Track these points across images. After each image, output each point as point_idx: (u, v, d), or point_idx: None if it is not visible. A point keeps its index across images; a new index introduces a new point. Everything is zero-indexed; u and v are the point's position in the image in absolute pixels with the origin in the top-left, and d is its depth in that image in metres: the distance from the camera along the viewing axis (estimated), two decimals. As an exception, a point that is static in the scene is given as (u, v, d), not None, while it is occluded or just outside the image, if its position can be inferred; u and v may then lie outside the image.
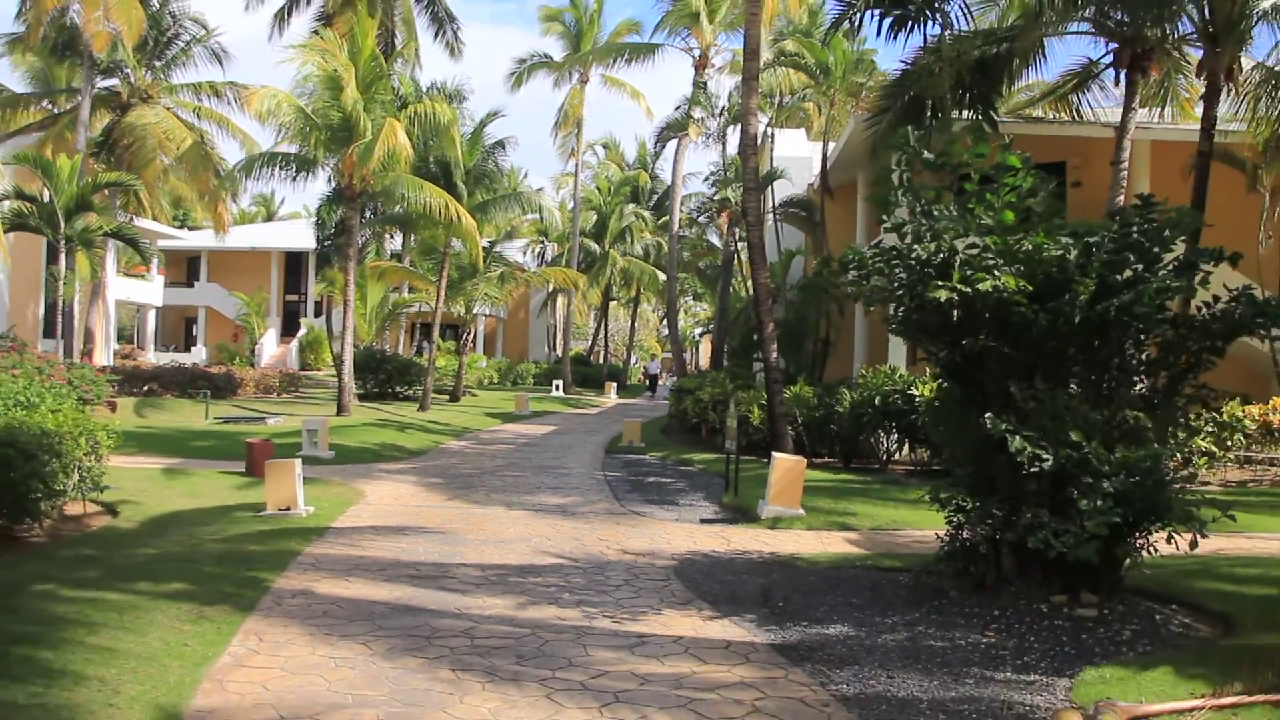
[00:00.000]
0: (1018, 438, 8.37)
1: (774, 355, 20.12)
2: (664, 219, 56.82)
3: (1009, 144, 9.66)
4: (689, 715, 6.29)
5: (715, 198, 36.26)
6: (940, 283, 8.46)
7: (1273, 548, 12.09)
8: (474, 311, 40.23)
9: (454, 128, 29.96)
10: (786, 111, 35.38)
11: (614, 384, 53.08)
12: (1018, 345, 8.86)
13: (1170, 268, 9.23)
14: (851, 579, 10.31)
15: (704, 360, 78.17)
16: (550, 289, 56.26)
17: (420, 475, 18.55)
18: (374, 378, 36.68)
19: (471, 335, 45.10)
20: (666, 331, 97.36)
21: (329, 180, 32.56)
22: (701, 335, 79.18)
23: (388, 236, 43.31)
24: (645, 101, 54.38)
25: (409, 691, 6.58)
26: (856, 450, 20.20)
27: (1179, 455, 9.96)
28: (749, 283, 30.81)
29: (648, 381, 58.61)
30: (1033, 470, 8.37)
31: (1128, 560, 8.73)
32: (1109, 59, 20.55)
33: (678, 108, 37.07)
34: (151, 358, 45.61)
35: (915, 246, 9.28)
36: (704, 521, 14.20)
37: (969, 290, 8.43)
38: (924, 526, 12.37)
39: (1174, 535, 8.41)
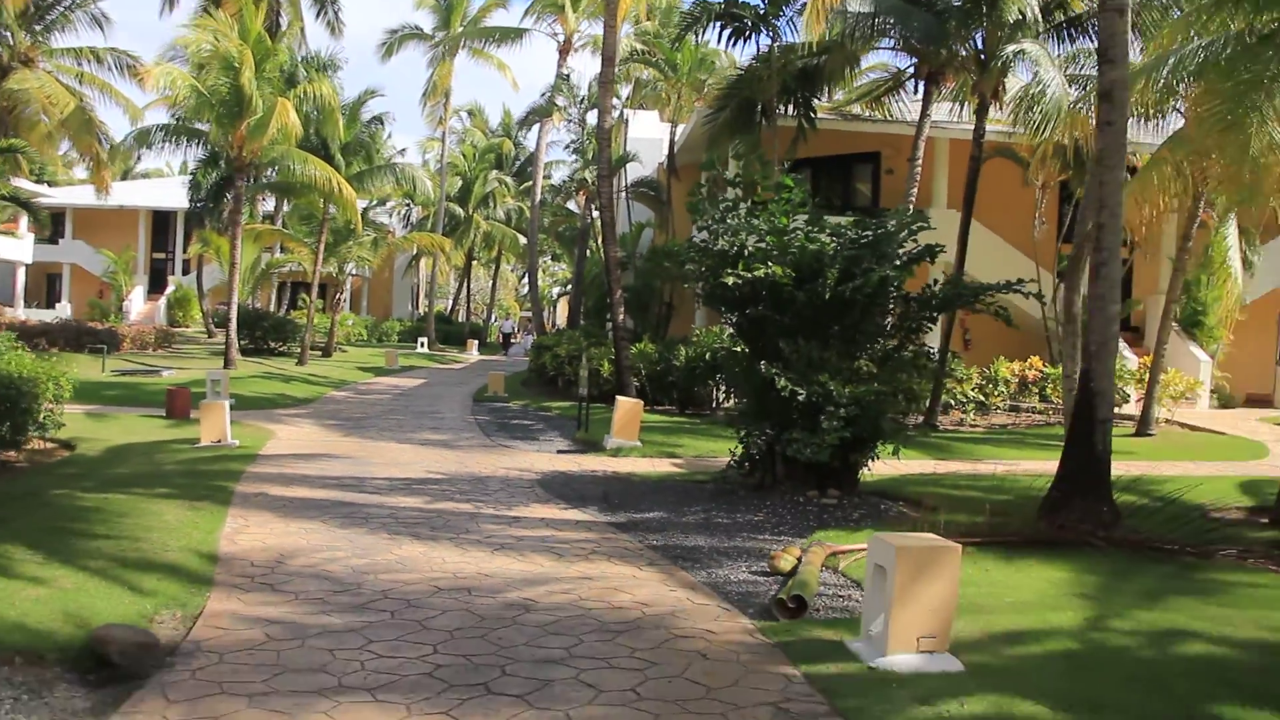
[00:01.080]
0: (783, 379, 11.92)
1: (622, 317, 23.56)
2: (526, 184, 59.87)
3: (787, 167, 13.16)
4: (551, 555, 9.62)
5: (575, 177, 39.49)
6: (729, 270, 11.93)
7: (993, 469, 15.96)
8: (346, 272, 42.68)
9: (336, 107, 32.47)
10: (643, 91, 38.67)
11: (475, 341, 55.90)
12: (785, 314, 12.41)
13: (902, 260, 12.89)
14: (670, 487, 13.79)
15: (561, 318, 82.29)
16: (415, 251, 58.65)
17: (316, 419, 21.46)
18: (250, 334, 38.84)
19: (344, 295, 47.44)
20: (526, 291, 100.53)
21: (207, 148, 34.66)
22: (559, 295, 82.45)
23: (260, 199, 45.28)
24: (511, 74, 57.20)
25: (362, 544, 9.75)
26: (691, 398, 23.80)
27: (899, 395, 13.62)
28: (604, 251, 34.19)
29: (502, 339, 61.42)
30: (793, 402, 11.93)
31: (861, 467, 12.39)
32: (913, 70, 24.36)
33: (544, 94, 40.17)
34: (20, 314, 46.76)
35: (719, 241, 12.74)
36: (560, 452, 17.54)
37: (750, 275, 11.92)
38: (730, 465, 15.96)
39: (897, 451, 12.11)
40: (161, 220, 59.95)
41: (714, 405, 23.52)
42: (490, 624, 7.24)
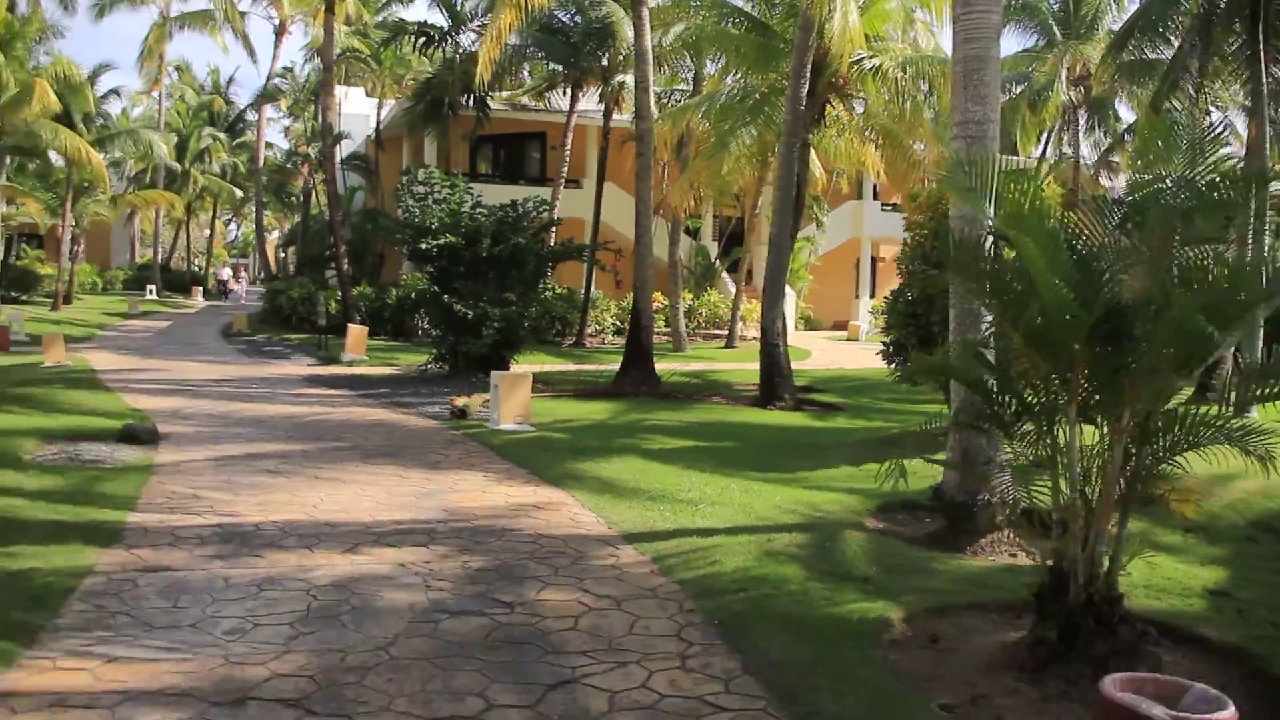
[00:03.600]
0: (459, 305, 19.66)
1: (345, 266, 30.64)
2: (239, 140, 64.82)
3: (472, 144, 20.81)
4: (326, 405, 17.00)
5: (298, 150, 45.65)
6: (425, 240, 19.52)
7: (600, 367, 24.27)
8: (82, 226, 47.21)
9: (85, 83, 37.46)
10: (352, 72, 45.10)
11: (199, 288, 60.76)
12: (460, 265, 20.13)
13: (532, 230, 20.84)
14: (392, 380, 21.32)
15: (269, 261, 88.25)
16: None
17: (108, 349, 27.55)
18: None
19: (83, 247, 51.58)
20: (231, 239, 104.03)
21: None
22: (281, 246, 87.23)
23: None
24: (223, 39, 61.38)
25: (215, 405, 16.82)
26: (401, 329, 31.22)
27: (547, 318, 21.63)
28: (324, 211, 40.89)
29: (219, 288, 65.87)
30: (466, 319, 19.69)
31: (509, 360, 20.33)
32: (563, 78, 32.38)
33: (268, 79, 45.85)
34: None
35: (418, 218, 20.29)
36: (310, 365, 24.66)
37: (436, 242, 19.57)
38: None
39: (528, 352, 20.16)
40: None
41: (419, 332, 31.01)
42: (309, 425, 14.72)
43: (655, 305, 32.33)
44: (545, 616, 6.44)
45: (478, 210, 20.44)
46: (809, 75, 18.72)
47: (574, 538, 8.41)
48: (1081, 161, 39.42)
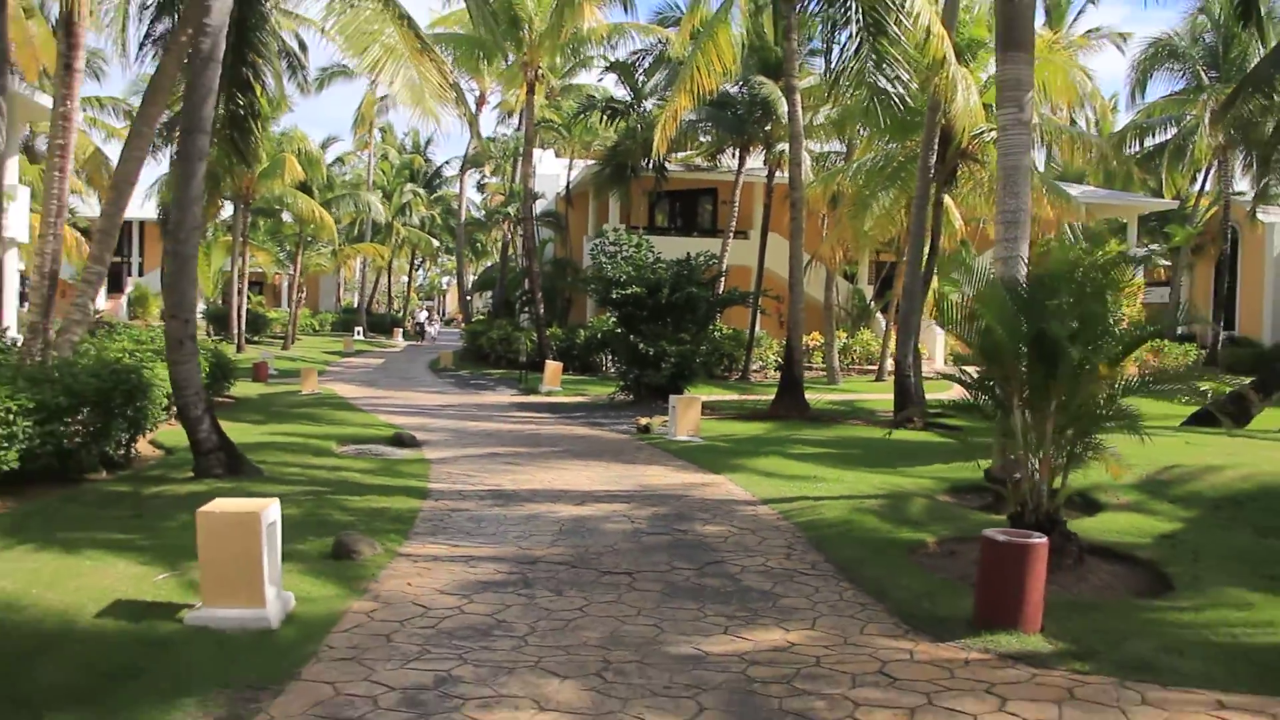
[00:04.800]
0: (642, 343, 23.67)
1: (541, 309, 35.18)
2: (436, 195, 70.94)
3: (639, 230, 24.95)
4: (539, 423, 21.15)
5: (499, 209, 50.87)
6: (615, 290, 23.63)
7: (759, 397, 28.00)
8: (305, 275, 53.41)
9: (320, 158, 43.35)
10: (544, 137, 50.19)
11: (399, 330, 66.88)
12: (643, 310, 24.16)
13: (703, 281, 24.79)
14: (585, 405, 25.45)
15: (450, 304, 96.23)
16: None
17: (341, 381, 32.53)
18: (223, 328, 49.19)
19: (304, 294, 58.05)
20: (419, 283, 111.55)
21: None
22: (447, 285, 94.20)
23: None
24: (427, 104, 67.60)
25: (452, 422, 21.15)
26: (588, 365, 35.50)
27: (716, 355, 25.52)
28: (517, 260, 45.84)
29: (416, 329, 72.01)
30: (648, 355, 23.67)
31: (684, 389, 24.22)
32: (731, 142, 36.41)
33: (470, 146, 51.45)
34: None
35: (608, 271, 24.42)
36: (513, 394, 29.04)
37: (624, 292, 23.65)
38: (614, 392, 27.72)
39: (699, 384, 24.06)
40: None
41: (604, 368, 35.25)
42: (527, 436, 18.86)
43: (815, 343, 36.09)
44: (705, 535, 10.26)
45: (658, 264, 24.48)
46: (938, 145, 22.19)
47: (726, 500, 12.21)
48: (1237, 198, 41.55)
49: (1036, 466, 9.11)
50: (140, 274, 66.68)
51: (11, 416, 10.66)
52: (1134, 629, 7.31)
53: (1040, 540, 7.37)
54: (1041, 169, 24.89)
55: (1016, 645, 6.94)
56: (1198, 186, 45.38)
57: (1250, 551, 9.77)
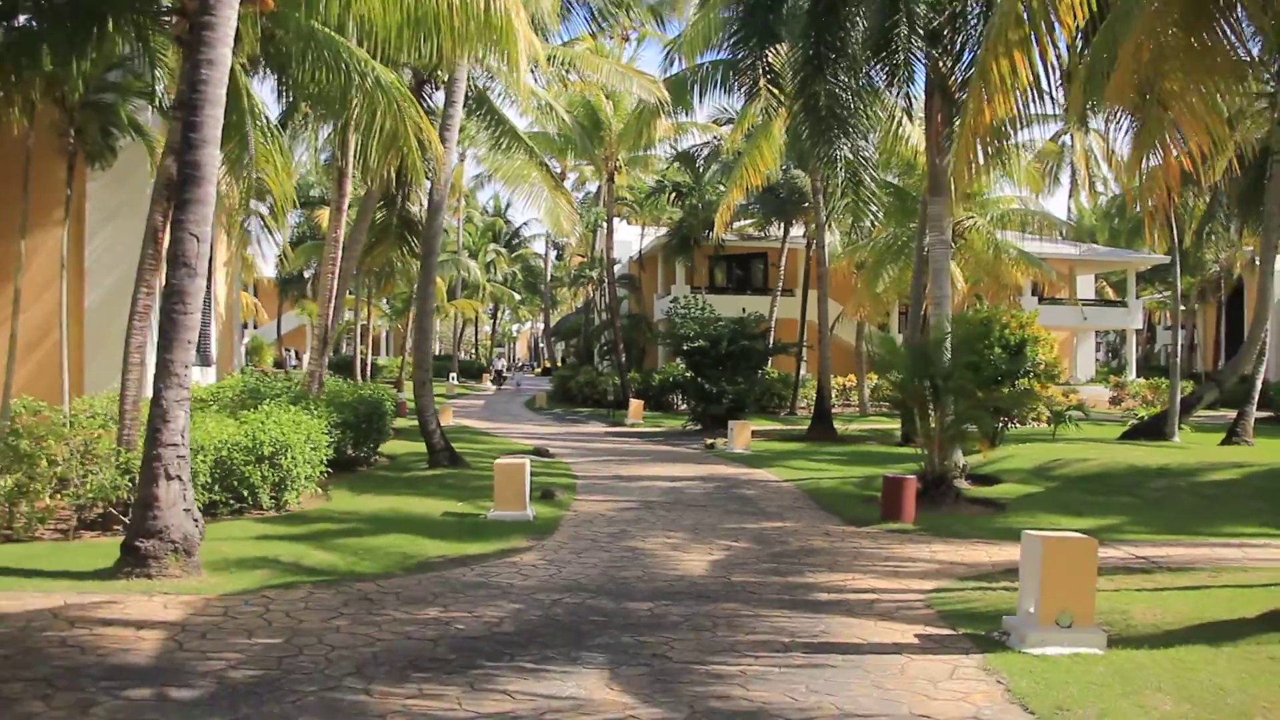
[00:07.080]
0: (707, 384, 30.90)
1: (622, 357, 42.57)
2: (516, 253, 78.93)
3: (701, 291, 32.28)
4: (629, 447, 28.35)
5: (584, 273, 58.42)
6: (685, 344, 30.93)
7: (804, 426, 35.11)
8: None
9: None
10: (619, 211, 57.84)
11: (488, 375, 74.61)
12: (707, 360, 31.40)
13: (755, 335, 32.02)
14: (662, 433, 32.63)
15: (520, 350, 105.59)
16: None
17: (460, 417, 39.93)
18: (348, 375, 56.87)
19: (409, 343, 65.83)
20: (489, 330, 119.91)
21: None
22: (517, 331, 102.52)
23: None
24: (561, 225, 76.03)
25: (570, 441, 28.42)
26: (661, 404, 42.72)
27: (768, 394, 32.71)
28: (598, 313, 53.42)
29: (494, 375, 79.41)
30: (711, 393, 30.88)
31: (741, 418, 31.37)
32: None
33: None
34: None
35: (680, 328, 31.72)
36: (604, 426, 36.22)
37: (693, 345, 30.94)
38: (685, 423, 34.84)
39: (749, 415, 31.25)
40: (240, 290, 77.67)
41: (675, 405, 42.43)
42: (624, 451, 26.07)
43: (852, 383, 43.07)
44: (746, 494, 17.48)
45: (718, 321, 31.72)
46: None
47: (762, 480, 19.41)
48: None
49: (931, 448, 16.19)
50: (255, 327, 75.00)
51: (328, 427, 18.04)
52: (961, 524, 14.40)
53: (910, 477, 14.51)
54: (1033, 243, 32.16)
55: (897, 528, 14.09)
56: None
57: (1070, 502, 16.73)
